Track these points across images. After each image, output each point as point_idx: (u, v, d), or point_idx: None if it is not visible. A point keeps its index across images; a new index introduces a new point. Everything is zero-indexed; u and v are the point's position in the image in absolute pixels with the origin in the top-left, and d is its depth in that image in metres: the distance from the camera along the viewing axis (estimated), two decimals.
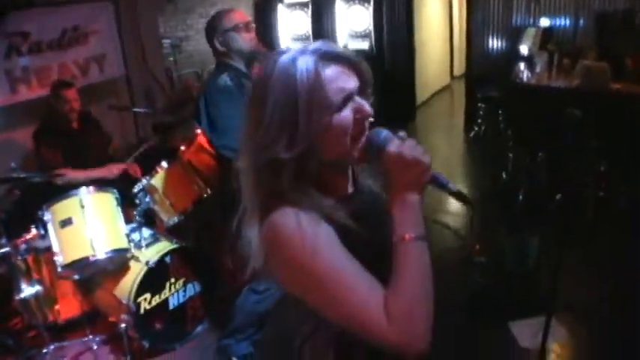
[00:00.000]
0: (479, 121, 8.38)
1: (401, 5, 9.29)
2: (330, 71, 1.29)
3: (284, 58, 1.29)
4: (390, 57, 9.34)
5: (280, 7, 9.48)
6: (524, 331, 3.61)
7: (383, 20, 9.22)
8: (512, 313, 3.84)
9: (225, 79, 3.15)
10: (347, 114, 1.29)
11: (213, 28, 3.28)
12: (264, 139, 1.26)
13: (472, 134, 8.43)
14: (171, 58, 7.33)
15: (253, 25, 3.32)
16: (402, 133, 1.33)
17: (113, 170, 4.44)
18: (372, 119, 1.36)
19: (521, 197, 5.61)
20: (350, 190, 1.47)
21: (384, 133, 1.34)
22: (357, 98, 1.32)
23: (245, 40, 3.24)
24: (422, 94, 10.54)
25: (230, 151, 2.98)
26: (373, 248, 1.27)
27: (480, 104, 8.25)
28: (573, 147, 3.95)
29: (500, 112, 7.74)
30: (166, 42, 7.38)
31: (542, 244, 4.19)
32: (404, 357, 1.16)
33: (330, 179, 1.39)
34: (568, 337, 3.45)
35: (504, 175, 6.25)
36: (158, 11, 7.28)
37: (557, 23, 7.87)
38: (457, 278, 4.34)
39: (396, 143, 1.29)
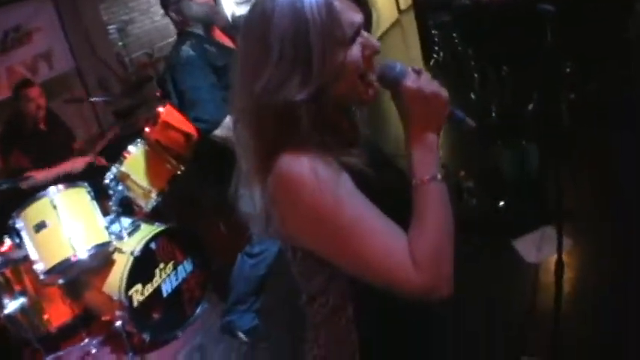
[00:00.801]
0: (436, 48, 8.31)
1: None
2: (339, 4, 1.16)
3: None
4: None
5: None
6: (529, 247, 3.59)
7: None
8: (510, 229, 3.81)
9: (186, 49, 3.03)
10: (356, 50, 1.18)
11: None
12: (272, 81, 1.13)
13: (432, 63, 8.36)
14: (120, 43, 7.20)
15: None
16: (417, 67, 1.22)
17: (78, 163, 4.29)
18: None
19: (493, 114, 5.57)
20: (356, 136, 1.36)
21: (399, 66, 1.22)
22: (365, 33, 1.22)
23: (199, 6, 3.12)
24: (373, 33, 10.38)
25: (203, 123, 2.94)
26: (390, 195, 1.19)
27: (433, 32, 8.16)
28: (541, 51, 3.87)
29: (455, 35, 7.68)
30: (112, 28, 7.26)
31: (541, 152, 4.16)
32: (429, 302, 1.12)
33: (339, 124, 1.28)
34: (572, 246, 3.41)
35: (473, 96, 6.19)
36: None
37: None
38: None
39: (413, 77, 1.19)
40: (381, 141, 1.53)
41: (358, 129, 1.37)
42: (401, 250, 1.11)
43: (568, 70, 5.16)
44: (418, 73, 1.20)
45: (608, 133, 4.59)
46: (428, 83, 1.17)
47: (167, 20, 3.34)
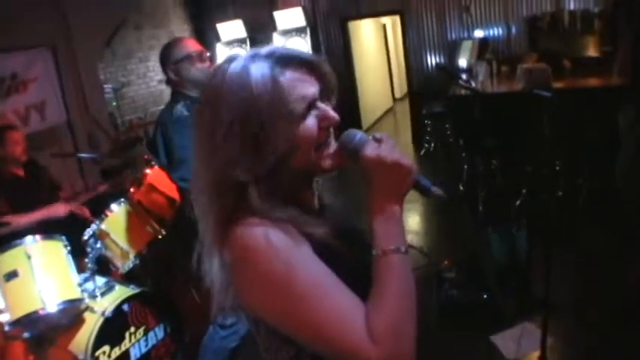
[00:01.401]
0: (427, 137, 8.48)
1: (337, 35, 9.53)
2: (289, 78, 1.15)
3: (234, 67, 1.16)
4: None
5: (219, 46, 9.60)
6: (508, 342, 3.55)
7: (321, 50, 9.36)
8: (487, 323, 3.78)
9: (180, 109, 3.06)
10: (311, 123, 1.17)
11: (166, 58, 3.20)
12: (222, 161, 1.13)
13: (422, 151, 8.46)
14: (114, 104, 7.30)
15: (208, 54, 3.26)
16: (378, 135, 1.20)
17: (59, 210, 4.13)
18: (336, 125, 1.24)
19: (481, 207, 5.61)
20: (316, 205, 1.34)
21: (359, 135, 1.21)
22: (321, 105, 1.20)
23: (199, 70, 3.15)
24: (367, 119, 10.66)
25: (186, 183, 2.91)
26: (353, 267, 1.15)
27: (426, 121, 8.33)
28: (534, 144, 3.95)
29: (447, 125, 7.83)
30: (108, 87, 7.36)
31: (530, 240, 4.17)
32: None
33: (296, 193, 1.25)
34: (554, 342, 3.35)
35: (461, 187, 6.22)
36: (97, 56, 7.26)
37: (491, 33, 8.17)
38: (430, 297, 4.24)
39: (373, 146, 1.17)
40: (354, 212, 1.48)
41: (322, 199, 1.37)
42: (358, 323, 1.06)
43: (557, 168, 5.25)
44: (379, 141, 1.18)
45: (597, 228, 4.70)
46: (389, 152, 1.15)
47: (162, 87, 3.37)
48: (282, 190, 1.17)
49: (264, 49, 1.18)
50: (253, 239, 1.09)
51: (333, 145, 1.23)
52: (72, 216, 4.20)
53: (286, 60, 1.17)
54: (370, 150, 1.16)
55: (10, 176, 4.21)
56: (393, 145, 1.17)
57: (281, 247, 1.09)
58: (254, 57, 1.16)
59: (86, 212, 4.26)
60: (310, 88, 1.18)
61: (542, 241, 3.63)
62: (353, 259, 1.18)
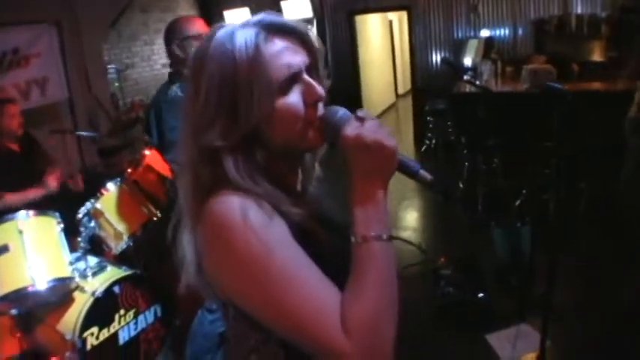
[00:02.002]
0: (429, 134, 8.45)
1: (344, 27, 9.46)
2: (274, 45, 1.11)
3: (222, 32, 1.12)
4: (336, 77, 9.47)
5: None
6: (503, 343, 3.53)
7: (327, 42, 9.33)
8: (482, 322, 3.76)
9: (175, 90, 3.03)
10: (295, 97, 1.12)
11: (172, 33, 3.15)
12: (198, 124, 1.10)
13: (424, 148, 8.45)
14: (117, 84, 7.27)
15: None
16: (361, 112, 1.13)
17: (51, 183, 4.04)
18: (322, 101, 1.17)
19: (480, 206, 5.57)
20: (299, 189, 1.29)
21: (341, 112, 1.15)
22: (306, 77, 1.14)
23: None
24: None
25: (178, 166, 2.85)
26: (330, 253, 1.09)
27: (428, 118, 8.30)
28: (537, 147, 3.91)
29: (449, 123, 7.81)
30: (112, 68, 7.32)
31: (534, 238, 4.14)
32: None
33: (278, 172, 1.19)
34: (550, 344, 3.32)
35: (461, 185, 6.19)
36: (102, 36, 7.23)
37: (498, 33, 8.15)
38: (426, 294, 4.21)
39: (354, 124, 1.10)
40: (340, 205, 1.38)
41: (306, 182, 1.31)
42: (333, 312, 0.99)
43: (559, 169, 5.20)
44: (361, 119, 1.11)
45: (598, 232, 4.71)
46: (371, 131, 1.07)
47: (166, 70, 3.30)
48: (261, 165, 1.13)
49: (255, 17, 1.14)
50: (229, 216, 1.04)
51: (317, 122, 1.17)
52: (66, 192, 4.15)
53: (276, 27, 1.13)
54: (351, 129, 1.09)
55: (5, 150, 4.16)
56: (377, 124, 1.09)
57: (258, 226, 1.03)
58: (244, 24, 1.13)
59: (80, 184, 4.21)
60: (297, 57, 1.13)
61: (545, 240, 3.59)
62: (330, 245, 1.11)
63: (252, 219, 1.03)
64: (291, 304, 1.00)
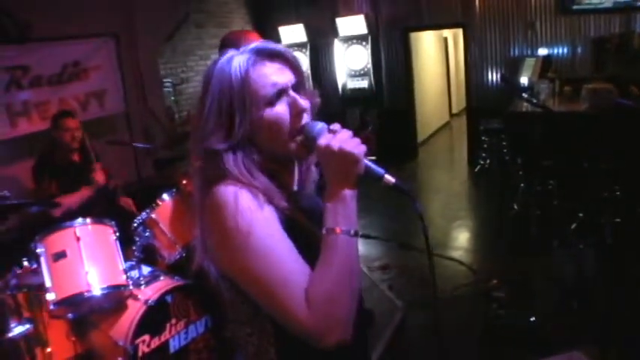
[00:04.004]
0: (483, 154, 8.34)
1: (398, 44, 9.47)
2: (264, 67, 1.35)
3: (223, 59, 1.38)
4: (390, 95, 9.42)
5: None
6: None
7: (381, 60, 9.39)
8: (535, 346, 3.66)
9: None
10: (282, 109, 1.35)
11: (227, 46, 3.14)
12: (203, 131, 1.33)
13: (477, 168, 8.33)
14: (172, 98, 7.40)
15: None
16: (334, 126, 1.34)
17: (98, 178, 4.33)
18: (305, 113, 1.39)
19: (533, 229, 5.47)
20: (293, 187, 1.50)
21: (318, 126, 1.36)
22: (292, 93, 1.37)
23: None
24: (423, 132, 10.55)
25: None
26: (310, 241, 1.31)
27: (483, 137, 8.20)
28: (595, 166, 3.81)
29: (504, 143, 7.69)
30: (167, 82, 7.45)
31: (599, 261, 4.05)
32: (321, 345, 1.20)
33: (274, 173, 1.41)
34: None
35: (515, 207, 6.07)
36: (158, 50, 7.41)
37: (555, 51, 7.97)
38: (476, 315, 4.17)
39: (328, 136, 1.31)
40: None
41: (303, 182, 1.53)
42: (300, 287, 1.22)
43: (617, 193, 5.06)
44: (334, 131, 1.33)
45: None
46: (340, 141, 1.28)
47: None
48: (257, 163, 1.36)
49: (252, 45, 1.40)
50: (224, 199, 1.27)
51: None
52: (120, 207, 4.27)
53: (266, 53, 1.37)
54: (323, 140, 1.30)
55: (64, 161, 4.29)
56: (347, 135, 1.30)
57: (246, 208, 1.26)
58: (242, 51, 1.38)
59: (129, 203, 4.33)
60: (282, 77, 1.36)
61: (607, 266, 3.49)
62: (316, 238, 1.30)
63: (242, 203, 1.26)
64: (267, 279, 1.23)
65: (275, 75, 1.35)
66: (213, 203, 1.28)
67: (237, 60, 1.34)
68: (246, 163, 1.33)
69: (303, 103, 1.37)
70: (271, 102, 1.33)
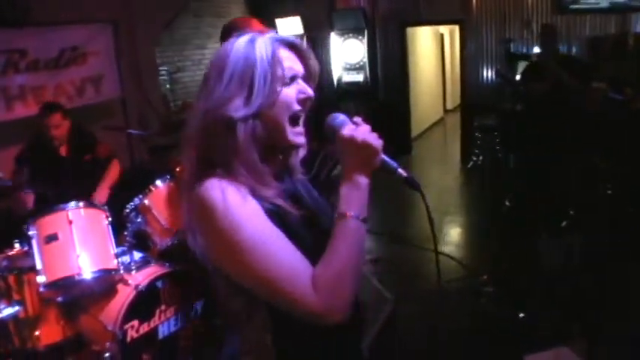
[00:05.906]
0: (476, 151, 8.37)
1: (395, 39, 9.47)
2: (283, 52, 1.42)
3: (243, 38, 1.43)
4: (385, 89, 9.43)
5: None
6: None
7: (377, 54, 9.36)
8: (524, 341, 3.67)
9: None
10: (292, 91, 1.41)
11: (230, 32, 3.14)
12: (220, 98, 1.36)
13: (470, 165, 8.35)
14: (168, 86, 7.38)
15: None
16: (357, 119, 1.42)
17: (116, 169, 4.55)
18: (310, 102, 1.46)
19: (525, 225, 5.50)
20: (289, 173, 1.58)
21: (340, 117, 1.44)
22: (301, 81, 1.45)
23: None
24: (417, 126, 10.57)
25: None
26: (307, 226, 1.40)
27: (476, 134, 8.22)
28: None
29: (497, 140, 7.71)
30: (163, 70, 7.44)
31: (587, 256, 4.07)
32: (324, 323, 1.26)
33: (271, 156, 1.46)
34: None
35: (507, 203, 6.10)
36: (155, 38, 7.39)
37: None
38: (465, 309, 4.20)
39: (350, 127, 1.39)
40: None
41: (293, 170, 1.59)
42: (301, 272, 1.27)
43: (609, 191, 5.08)
44: (357, 124, 1.40)
45: None
46: (362, 133, 1.36)
47: None
48: (262, 141, 1.39)
49: (267, 34, 1.45)
50: (212, 196, 1.29)
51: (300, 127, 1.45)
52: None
53: (284, 42, 1.44)
54: (347, 130, 1.38)
55: (51, 155, 4.28)
56: (367, 129, 1.38)
57: (234, 204, 1.28)
58: (260, 35, 1.43)
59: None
60: (296, 65, 1.45)
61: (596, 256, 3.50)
62: (307, 221, 1.41)
63: (230, 199, 1.28)
64: (265, 269, 1.26)
65: (290, 61, 1.43)
66: (201, 201, 1.31)
67: (260, 41, 1.40)
68: (252, 139, 1.37)
69: (311, 91, 1.46)
70: (288, 82, 1.41)
